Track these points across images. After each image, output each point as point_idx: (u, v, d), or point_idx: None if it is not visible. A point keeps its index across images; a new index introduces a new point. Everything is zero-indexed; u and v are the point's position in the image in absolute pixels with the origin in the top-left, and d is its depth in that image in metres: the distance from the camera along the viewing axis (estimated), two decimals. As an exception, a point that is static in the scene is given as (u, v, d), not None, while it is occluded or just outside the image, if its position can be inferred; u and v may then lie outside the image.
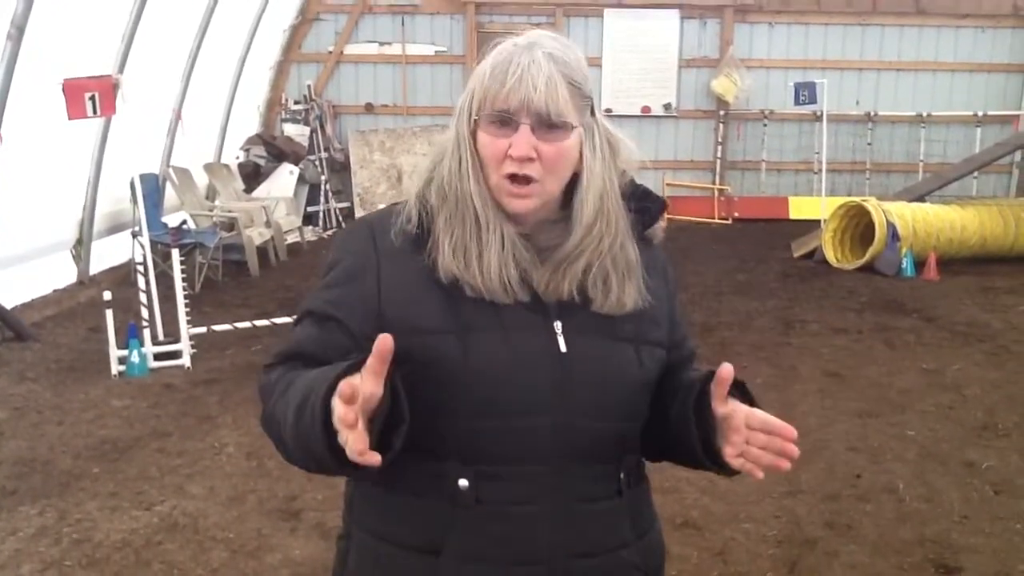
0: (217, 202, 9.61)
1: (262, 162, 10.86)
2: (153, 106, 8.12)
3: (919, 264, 8.66)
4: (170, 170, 8.77)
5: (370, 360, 1.08)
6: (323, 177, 11.16)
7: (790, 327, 6.84)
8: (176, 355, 5.77)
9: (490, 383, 1.25)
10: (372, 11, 11.70)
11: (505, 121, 1.26)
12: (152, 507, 3.82)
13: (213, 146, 10.23)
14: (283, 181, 10.71)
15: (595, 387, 1.29)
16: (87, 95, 5.40)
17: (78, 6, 6.63)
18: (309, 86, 11.64)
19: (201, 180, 9.50)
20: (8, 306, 6.38)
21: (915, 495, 3.96)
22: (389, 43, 11.78)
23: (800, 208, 11.77)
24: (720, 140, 12.07)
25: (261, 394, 1.34)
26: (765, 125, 12.07)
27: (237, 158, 10.75)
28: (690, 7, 11.75)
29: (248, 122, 11.20)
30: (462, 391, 1.25)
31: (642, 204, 1.39)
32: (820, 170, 10.95)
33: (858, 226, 9.22)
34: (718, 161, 12.11)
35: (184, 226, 8.03)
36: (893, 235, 8.58)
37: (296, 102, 11.64)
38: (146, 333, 5.79)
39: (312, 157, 11.19)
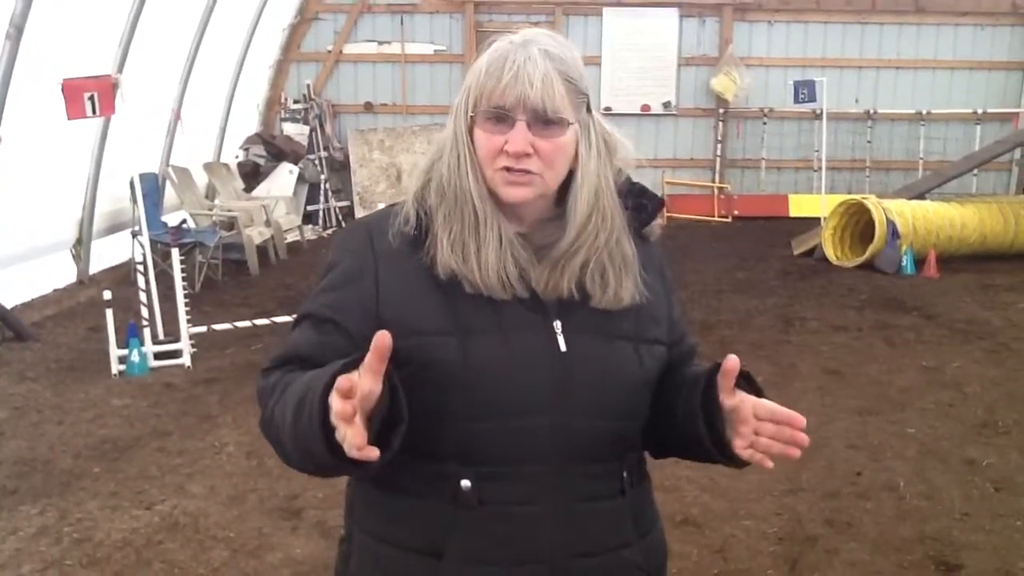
0: (217, 201, 9.61)
1: (262, 161, 10.86)
2: (152, 105, 8.12)
3: (919, 262, 8.65)
4: (170, 169, 8.77)
5: (368, 357, 1.08)
6: (323, 176, 11.15)
7: (790, 325, 6.84)
8: (176, 354, 5.78)
9: (490, 384, 1.25)
10: (371, 10, 11.70)
11: (501, 117, 1.26)
12: (153, 506, 3.83)
13: (213, 145, 10.23)
14: (283, 180, 10.71)
15: (595, 386, 1.29)
16: (86, 95, 5.40)
17: (77, 6, 6.63)
18: (308, 85, 11.64)
19: (201, 179, 9.50)
20: (8, 306, 6.38)
21: (915, 492, 3.96)
22: (388, 42, 11.78)
23: (800, 206, 11.76)
24: (720, 138, 12.06)
25: (259, 398, 1.33)
26: (765, 123, 12.06)
27: (237, 157, 10.74)
28: (689, 5, 11.75)
29: (247, 121, 11.20)
30: (461, 392, 1.24)
31: (639, 201, 1.38)
32: (820, 168, 10.95)
33: (858, 224, 9.22)
34: (718, 159, 12.10)
35: (184, 225, 8.03)
36: (893, 233, 8.57)
37: (295, 101, 11.63)
38: (146, 332, 5.79)
39: (312, 156, 11.18)
